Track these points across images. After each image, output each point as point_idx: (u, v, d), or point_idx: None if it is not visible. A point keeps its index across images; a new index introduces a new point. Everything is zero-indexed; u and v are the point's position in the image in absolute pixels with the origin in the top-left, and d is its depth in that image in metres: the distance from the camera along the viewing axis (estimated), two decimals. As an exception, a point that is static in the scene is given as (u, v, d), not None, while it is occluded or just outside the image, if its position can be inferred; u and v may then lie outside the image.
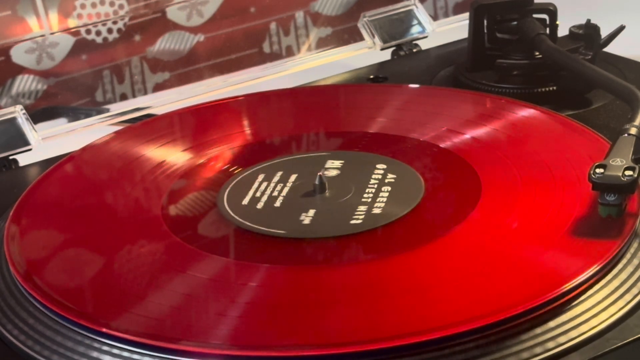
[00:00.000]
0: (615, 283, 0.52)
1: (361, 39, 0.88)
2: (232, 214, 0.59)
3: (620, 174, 0.55)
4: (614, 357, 0.49)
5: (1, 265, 0.57)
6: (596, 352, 0.49)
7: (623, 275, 0.52)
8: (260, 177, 0.63)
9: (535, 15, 0.77)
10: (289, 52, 0.98)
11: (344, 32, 1.00)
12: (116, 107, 0.88)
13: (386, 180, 0.62)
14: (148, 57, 0.92)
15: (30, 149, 0.73)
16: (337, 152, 0.66)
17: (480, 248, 0.55)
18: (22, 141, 0.73)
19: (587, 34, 0.75)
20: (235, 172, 0.64)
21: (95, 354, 0.50)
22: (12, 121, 0.74)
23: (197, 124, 0.72)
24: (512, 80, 0.75)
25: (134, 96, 0.93)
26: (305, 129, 0.70)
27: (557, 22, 0.76)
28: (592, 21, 0.75)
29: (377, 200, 0.59)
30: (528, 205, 0.58)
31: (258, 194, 0.61)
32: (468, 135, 0.66)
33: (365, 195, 0.60)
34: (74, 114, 0.88)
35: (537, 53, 0.75)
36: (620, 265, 0.53)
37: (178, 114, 0.74)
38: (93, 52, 0.90)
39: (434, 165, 0.64)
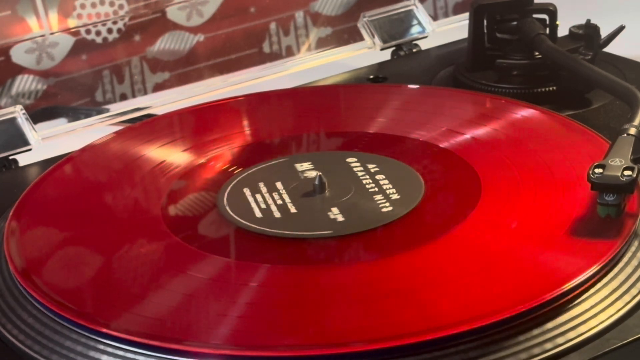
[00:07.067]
0: (615, 283, 0.52)
1: (361, 39, 0.88)
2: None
3: (619, 174, 0.55)
4: (614, 357, 0.49)
5: (1, 265, 0.57)
6: (596, 352, 0.49)
7: (623, 276, 0.52)
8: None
9: (535, 15, 0.76)
10: (289, 52, 0.98)
11: (344, 32, 1.00)
12: (116, 107, 0.88)
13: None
14: (148, 57, 0.92)
15: (30, 149, 0.73)
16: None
17: (480, 248, 0.55)
18: (22, 141, 0.73)
19: (587, 34, 0.75)
20: (235, 172, 0.64)
21: (94, 354, 0.50)
22: (12, 121, 0.74)
23: (197, 124, 0.72)
24: (512, 80, 0.75)
25: (134, 96, 0.93)
26: (305, 129, 0.70)
27: (557, 22, 0.76)
28: (592, 21, 0.75)
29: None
30: (528, 205, 0.58)
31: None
32: (468, 135, 0.66)
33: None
34: (74, 114, 0.88)
35: (536, 53, 0.75)
36: (620, 266, 0.53)
37: (178, 114, 0.74)
38: (93, 52, 0.90)
39: (434, 165, 0.64)
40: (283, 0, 0.97)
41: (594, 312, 0.50)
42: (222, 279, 0.54)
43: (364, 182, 0.61)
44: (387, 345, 0.48)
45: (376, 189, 0.61)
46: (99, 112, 0.83)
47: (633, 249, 0.54)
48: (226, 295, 0.52)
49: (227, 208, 0.60)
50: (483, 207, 0.58)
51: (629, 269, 0.53)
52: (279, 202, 0.60)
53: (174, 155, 0.67)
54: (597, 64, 0.73)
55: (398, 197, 0.60)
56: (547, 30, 0.76)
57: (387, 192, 0.60)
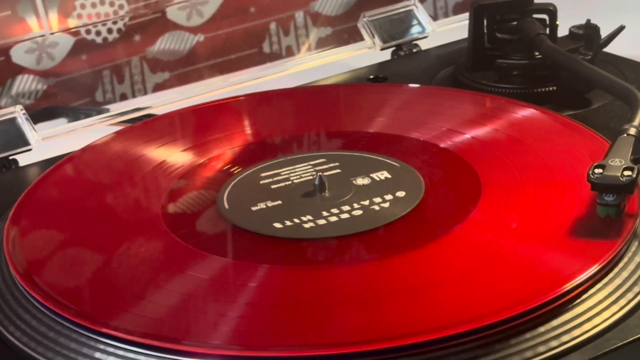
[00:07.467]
0: (615, 283, 0.52)
1: (361, 39, 0.88)
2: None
3: (619, 174, 0.55)
4: (614, 357, 0.49)
5: (1, 265, 0.57)
6: (596, 352, 0.49)
7: (623, 276, 0.52)
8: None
9: (535, 16, 0.77)
10: (289, 52, 0.98)
11: (344, 32, 1.00)
12: (116, 107, 0.88)
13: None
14: (148, 57, 0.92)
15: (30, 149, 0.73)
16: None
17: (481, 248, 0.55)
18: (22, 141, 0.73)
19: (587, 34, 0.75)
20: (235, 172, 0.65)
21: (95, 354, 0.50)
22: (12, 121, 0.74)
23: (197, 124, 0.72)
24: (512, 80, 0.75)
25: (134, 96, 0.93)
26: (305, 129, 0.70)
27: (557, 22, 0.76)
28: (592, 21, 0.75)
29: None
30: (528, 205, 0.58)
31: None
32: (468, 135, 0.66)
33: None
34: (74, 114, 0.88)
35: (536, 53, 0.75)
36: (620, 266, 0.53)
37: (178, 114, 0.74)
38: (93, 52, 0.90)
39: (434, 165, 0.64)
40: (283, 0, 0.97)
41: (594, 312, 0.50)
42: (222, 279, 0.54)
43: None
44: (387, 346, 0.48)
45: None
46: (99, 112, 0.83)
47: (633, 249, 0.54)
48: (226, 295, 0.52)
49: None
50: (483, 207, 0.58)
51: (629, 269, 0.53)
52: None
53: (174, 155, 0.67)
54: (597, 64, 0.73)
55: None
56: (547, 30, 0.76)
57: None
